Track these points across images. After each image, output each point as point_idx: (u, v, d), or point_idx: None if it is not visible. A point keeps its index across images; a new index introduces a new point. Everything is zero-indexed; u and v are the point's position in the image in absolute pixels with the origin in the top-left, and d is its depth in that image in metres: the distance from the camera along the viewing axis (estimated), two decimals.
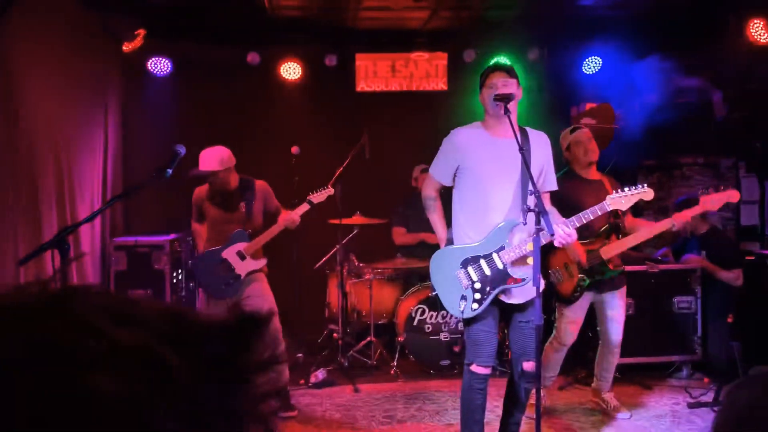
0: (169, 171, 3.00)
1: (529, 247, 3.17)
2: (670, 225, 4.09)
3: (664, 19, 6.17)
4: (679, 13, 6.10)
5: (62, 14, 4.83)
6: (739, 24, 5.80)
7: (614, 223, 4.23)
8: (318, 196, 4.53)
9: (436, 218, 3.54)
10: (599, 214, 3.32)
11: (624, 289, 4.36)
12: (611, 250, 4.17)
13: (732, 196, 3.96)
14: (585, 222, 3.31)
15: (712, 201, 3.96)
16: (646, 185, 3.42)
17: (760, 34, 5.66)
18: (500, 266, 3.27)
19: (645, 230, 4.24)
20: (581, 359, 5.20)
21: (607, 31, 6.25)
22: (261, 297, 4.49)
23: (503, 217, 3.30)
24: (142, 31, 5.62)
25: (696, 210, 4.02)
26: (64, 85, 4.84)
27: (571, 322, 4.29)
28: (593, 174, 4.35)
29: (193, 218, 4.61)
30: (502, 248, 3.28)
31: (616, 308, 4.30)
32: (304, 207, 4.46)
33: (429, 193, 3.56)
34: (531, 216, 3.14)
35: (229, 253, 4.44)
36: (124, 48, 5.77)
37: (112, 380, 0.49)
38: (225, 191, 4.38)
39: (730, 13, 5.91)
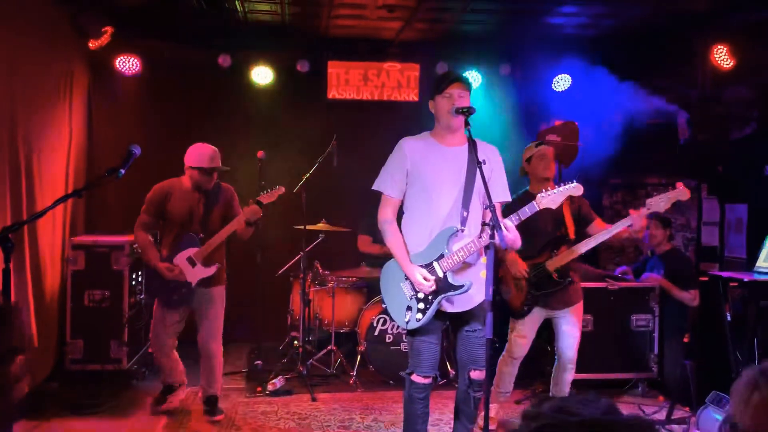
0: (122, 171, 2.94)
1: (483, 260, 3.18)
2: (628, 223, 4.06)
3: (633, 41, 6.29)
4: (646, 35, 6.22)
5: (27, 8, 4.74)
6: (703, 49, 5.93)
7: (559, 236, 4.27)
8: (268, 197, 4.34)
9: (392, 243, 3.37)
10: (529, 214, 3.30)
11: (579, 306, 4.38)
12: (557, 261, 4.23)
13: (681, 194, 3.87)
14: (522, 219, 3.27)
15: (659, 201, 3.92)
16: (575, 181, 3.37)
17: (723, 60, 5.79)
18: (440, 274, 3.27)
19: (594, 237, 4.21)
20: (539, 373, 5.23)
21: (576, 50, 6.35)
22: (213, 322, 4.42)
23: (443, 224, 3.29)
24: (109, 29, 5.55)
25: (643, 211, 3.99)
26: (26, 79, 4.75)
27: (521, 336, 4.33)
28: (545, 188, 4.36)
29: (141, 223, 4.36)
30: (441, 256, 3.27)
31: (570, 324, 4.33)
32: (254, 210, 4.28)
33: (385, 216, 3.41)
34: (474, 225, 3.13)
35: (180, 260, 4.28)
36: (90, 45, 5.68)
37: None
38: (203, 191, 4.31)
39: (695, 38, 6.04)
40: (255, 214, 4.24)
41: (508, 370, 4.44)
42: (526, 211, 3.27)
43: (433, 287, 3.24)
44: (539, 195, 3.34)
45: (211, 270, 4.30)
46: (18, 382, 0.61)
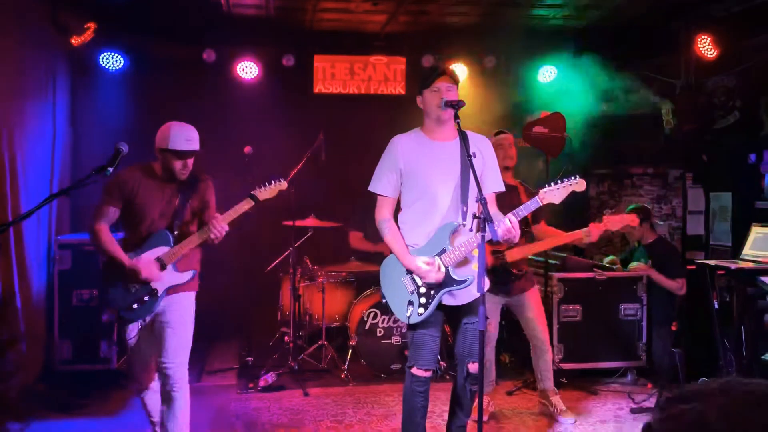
0: (110, 169, 2.91)
1: (474, 252, 3.19)
2: (582, 235, 4.25)
3: (617, 32, 6.32)
4: (631, 26, 6.26)
5: (7, 5, 4.67)
6: (687, 39, 5.97)
7: (524, 231, 4.32)
8: (266, 192, 3.56)
9: (390, 240, 3.37)
10: (533, 209, 3.33)
11: (534, 289, 4.53)
12: (516, 254, 4.30)
13: (631, 221, 4.31)
14: (522, 216, 3.31)
15: (613, 222, 4.26)
16: (578, 176, 3.40)
17: (707, 49, 5.84)
18: (443, 269, 3.29)
19: (554, 238, 4.41)
20: (530, 364, 5.26)
21: (561, 42, 6.37)
22: (178, 326, 3.48)
23: (442, 219, 3.31)
24: (92, 25, 5.48)
25: (600, 227, 4.25)
26: (8, 77, 4.69)
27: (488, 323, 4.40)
28: (508, 179, 4.41)
29: (101, 214, 3.42)
30: (443, 251, 3.29)
31: (530, 308, 4.47)
32: (246, 204, 3.50)
33: (382, 215, 3.41)
34: (472, 219, 3.15)
35: (146, 261, 3.40)
36: (72, 41, 5.61)
37: None
38: (176, 180, 3.47)
39: (679, 28, 6.08)
40: (241, 209, 3.48)
41: (487, 358, 4.49)
42: (530, 206, 3.29)
43: (440, 274, 3.26)
44: (542, 190, 3.36)
45: (185, 276, 3.49)
46: (9, 378, 0.61)
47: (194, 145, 3.44)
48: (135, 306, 3.40)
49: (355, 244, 6.21)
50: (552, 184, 3.35)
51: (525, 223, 4.33)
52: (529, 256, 4.52)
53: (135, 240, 3.44)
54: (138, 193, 3.41)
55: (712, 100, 6.17)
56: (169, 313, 3.47)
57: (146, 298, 3.40)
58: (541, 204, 3.32)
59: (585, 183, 3.37)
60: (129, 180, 3.42)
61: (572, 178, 3.36)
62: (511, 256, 4.32)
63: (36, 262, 5.11)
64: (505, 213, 3.72)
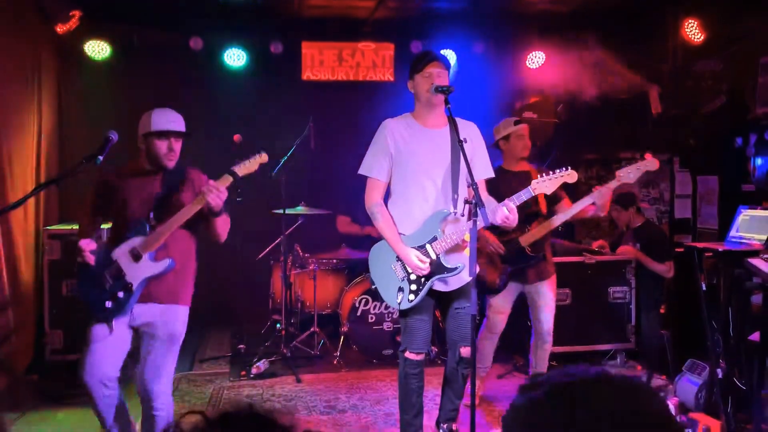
0: (100, 158, 2.88)
1: (466, 237, 3.21)
2: (590, 201, 4.14)
3: (604, 16, 6.32)
4: (618, 10, 6.26)
5: None
6: (675, 23, 5.99)
7: (531, 211, 4.32)
8: (246, 167, 3.23)
9: (382, 226, 3.36)
10: (525, 199, 3.35)
11: (553, 279, 4.47)
12: (529, 236, 4.29)
13: (649, 164, 3.91)
14: (518, 204, 3.32)
15: (628, 172, 3.97)
16: (569, 168, 3.42)
17: (694, 34, 5.86)
18: (433, 257, 3.30)
19: (562, 214, 4.27)
20: (520, 348, 5.32)
21: (550, 27, 6.37)
22: (164, 348, 3.18)
23: (433, 206, 3.33)
24: (77, 13, 5.42)
25: (612, 184, 4.04)
26: None
27: (498, 312, 4.41)
28: (522, 166, 4.44)
29: (88, 209, 3.34)
30: (434, 239, 3.31)
31: (545, 298, 4.43)
32: (225, 181, 3.16)
33: (373, 199, 3.40)
34: (463, 205, 3.16)
35: (120, 253, 3.13)
36: (58, 30, 5.55)
37: None
38: (162, 167, 3.23)
39: (666, 12, 6.10)
40: (222, 184, 3.11)
41: (487, 345, 4.52)
42: (522, 197, 3.31)
43: (428, 270, 3.27)
44: (534, 181, 3.37)
45: (161, 265, 3.13)
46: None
47: (178, 125, 3.23)
48: (108, 305, 3.09)
49: (342, 228, 6.22)
50: (544, 175, 3.38)
51: (536, 207, 4.32)
52: (540, 237, 4.33)
53: (118, 235, 3.19)
54: (120, 188, 3.22)
55: (699, 84, 6.21)
56: (157, 327, 3.18)
57: (120, 295, 3.09)
58: (533, 194, 3.35)
59: (576, 175, 3.41)
60: (111, 177, 3.26)
61: (564, 169, 3.39)
62: (525, 239, 4.28)
63: (24, 253, 5.08)
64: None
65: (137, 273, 3.11)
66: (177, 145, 3.23)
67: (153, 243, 3.11)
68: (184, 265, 3.26)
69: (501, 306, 4.41)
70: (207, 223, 3.23)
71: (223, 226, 3.27)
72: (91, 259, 3.13)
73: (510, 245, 4.31)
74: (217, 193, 3.05)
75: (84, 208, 3.34)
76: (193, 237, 3.33)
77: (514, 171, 4.39)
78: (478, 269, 3.16)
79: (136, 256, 3.12)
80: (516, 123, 4.45)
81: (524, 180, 4.25)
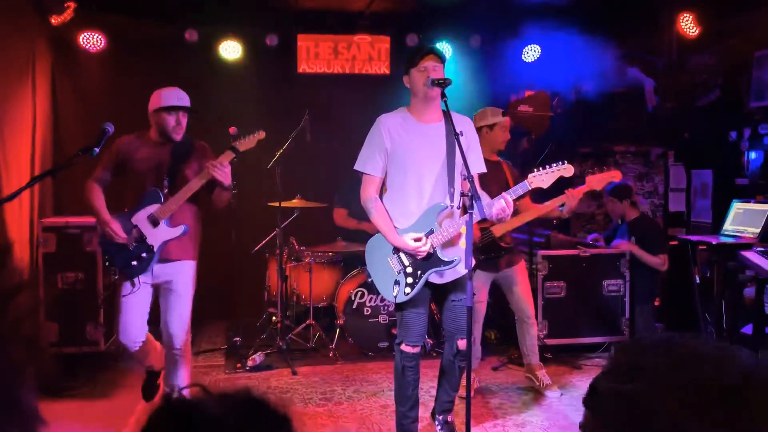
0: (96, 150, 2.89)
1: (463, 230, 3.22)
2: (560, 203, 4.27)
3: (600, 9, 6.33)
4: (613, 4, 6.27)
5: None
6: (670, 17, 6.00)
7: None
8: (245, 143, 3.68)
9: (377, 219, 3.38)
10: (521, 193, 3.40)
11: (522, 264, 4.59)
12: (502, 228, 4.34)
13: (614, 176, 4.22)
14: (515, 197, 3.39)
15: (597, 180, 4.21)
16: (566, 162, 3.48)
17: (689, 28, 5.88)
18: (430, 249, 3.32)
19: (535, 209, 4.44)
20: (515, 340, 5.34)
21: (545, 20, 6.37)
22: (179, 300, 3.72)
23: (429, 200, 3.34)
24: (71, 4, 5.39)
25: (582, 189, 4.24)
26: None
27: (478, 300, 4.44)
28: (494, 156, 4.52)
29: (97, 175, 3.72)
30: (431, 232, 3.32)
31: (519, 282, 4.52)
32: (227, 156, 3.60)
33: (368, 194, 3.41)
34: (459, 198, 3.19)
35: (139, 219, 3.61)
36: (52, 21, 5.51)
37: None
38: (171, 140, 3.67)
39: (661, 6, 6.11)
40: (224, 163, 3.53)
41: (474, 335, 4.56)
42: (518, 190, 3.35)
43: (429, 248, 3.28)
44: (531, 175, 3.42)
45: (178, 230, 3.61)
46: (27, 321, 0.67)
47: (185, 101, 3.67)
48: (134, 263, 3.59)
49: (339, 221, 6.23)
50: (540, 168, 3.42)
51: (503, 191, 4.38)
52: (511, 229, 4.55)
53: (131, 200, 3.66)
54: (131, 158, 3.64)
55: (694, 79, 6.23)
56: (175, 282, 3.69)
57: (144, 255, 3.59)
58: (530, 188, 3.39)
59: (573, 169, 3.46)
60: (123, 146, 3.68)
61: (560, 163, 3.43)
62: (497, 230, 4.37)
63: (18, 246, 5.06)
64: (494, 191, 3.77)
65: (157, 236, 3.60)
66: (184, 120, 3.67)
67: (168, 210, 3.59)
68: (192, 227, 3.72)
69: (479, 295, 4.45)
70: (212, 193, 3.68)
71: (225, 197, 3.71)
72: (125, 240, 3.59)
73: (484, 235, 4.37)
74: (221, 168, 3.47)
75: (96, 172, 3.73)
76: (195, 202, 3.75)
77: (489, 160, 4.41)
78: (474, 263, 3.18)
79: (154, 222, 3.59)
80: (503, 114, 4.50)
81: (498, 171, 4.34)
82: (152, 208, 3.60)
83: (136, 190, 3.66)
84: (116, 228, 3.55)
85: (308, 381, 4.86)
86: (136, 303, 3.64)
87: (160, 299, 3.75)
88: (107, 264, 3.74)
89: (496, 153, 4.53)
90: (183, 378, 3.77)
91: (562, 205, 4.33)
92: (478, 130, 4.45)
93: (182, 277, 3.72)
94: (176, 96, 3.68)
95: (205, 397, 0.79)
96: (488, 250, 4.39)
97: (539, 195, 4.51)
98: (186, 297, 3.74)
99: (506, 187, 4.32)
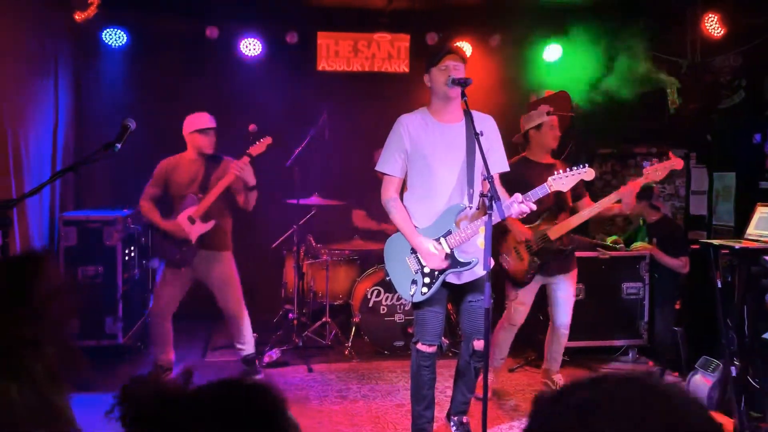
0: (118, 146, 2.91)
1: (481, 231, 3.20)
2: (616, 198, 4.13)
3: (622, 10, 6.26)
4: (636, 4, 6.20)
5: None
6: (694, 17, 5.92)
7: (559, 205, 4.30)
8: (257, 148, 4.54)
9: (397, 219, 3.38)
10: (540, 195, 3.35)
11: (574, 272, 4.47)
12: (558, 230, 4.25)
13: (675, 164, 4.00)
14: (534, 199, 3.33)
15: (656, 170, 4.01)
16: (587, 165, 3.44)
17: (714, 28, 5.79)
18: (447, 250, 3.30)
19: (590, 208, 4.25)
20: (531, 342, 5.31)
21: (567, 19, 6.31)
22: (226, 285, 4.65)
23: (448, 201, 3.33)
24: (95, 0, 5.44)
25: (640, 181, 4.07)
26: (10, 54, 4.66)
27: (521, 303, 4.41)
28: (547, 158, 4.44)
29: (146, 194, 4.61)
30: (449, 233, 3.31)
31: (565, 291, 4.43)
32: (245, 160, 4.46)
33: (388, 194, 3.42)
34: (478, 200, 3.17)
35: (182, 219, 4.53)
36: (76, 17, 5.57)
37: None
38: (204, 156, 4.59)
39: (686, 6, 6.02)
40: (244, 165, 4.42)
41: (506, 337, 4.52)
42: (538, 193, 3.31)
43: (444, 260, 3.27)
44: (551, 178, 3.38)
45: (209, 224, 4.52)
46: (64, 326, 0.69)
47: (213, 123, 4.65)
48: (178, 255, 4.51)
49: (358, 222, 6.22)
50: (561, 171, 3.39)
51: (562, 201, 4.30)
52: (569, 229, 4.32)
53: (174, 205, 4.60)
54: (173, 173, 4.59)
55: (718, 80, 6.14)
56: (212, 267, 4.62)
57: (184, 248, 4.50)
58: (549, 191, 3.36)
59: (594, 172, 3.43)
60: (166, 167, 4.62)
61: (581, 166, 3.40)
62: (553, 233, 4.25)
63: (39, 239, 5.12)
64: (551, 194, 3.71)
65: (194, 231, 4.52)
66: (214, 137, 4.64)
67: (200, 211, 4.51)
68: (224, 221, 4.66)
69: (524, 297, 4.41)
70: (240, 196, 4.61)
71: (252, 198, 4.61)
72: (186, 236, 4.52)
73: (540, 238, 4.28)
74: (245, 168, 4.43)
75: (146, 191, 4.63)
76: (228, 202, 4.66)
77: (542, 163, 4.37)
78: (492, 263, 3.16)
79: (191, 220, 4.51)
80: (548, 114, 4.44)
81: (552, 173, 4.25)
82: (190, 210, 4.51)
83: (178, 198, 4.57)
84: (174, 226, 4.50)
85: (324, 378, 4.87)
86: (174, 289, 4.55)
87: (214, 296, 4.71)
88: (154, 256, 4.74)
89: (549, 154, 4.44)
90: (245, 339, 4.79)
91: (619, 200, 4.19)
92: (526, 133, 4.43)
93: (222, 267, 4.66)
94: (206, 119, 4.62)
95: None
96: (542, 254, 4.28)
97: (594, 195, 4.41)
98: (231, 278, 4.70)
99: (562, 192, 4.28)
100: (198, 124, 4.58)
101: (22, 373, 0.60)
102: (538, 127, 4.40)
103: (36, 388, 0.62)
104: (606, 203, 4.17)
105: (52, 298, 0.65)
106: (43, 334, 0.63)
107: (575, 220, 4.26)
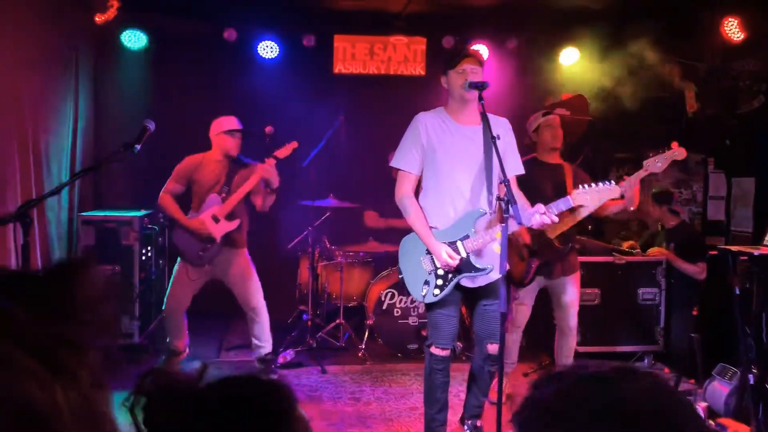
0: (137, 147, 2.95)
1: (497, 235, 3.19)
2: (619, 191, 4.04)
3: (640, 12, 6.22)
4: (654, 8, 6.16)
5: None
6: (713, 22, 5.87)
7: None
8: (283, 151, 4.66)
9: (413, 218, 3.33)
10: (563, 209, 3.32)
11: (577, 275, 4.45)
12: (558, 228, 4.22)
13: (677, 153, 3.78)
14: (558, 212, 3.30)
15: (656, 161, 3.84)
16: (613, 182, 3.36)
17: (733, 32, 5.74)
18: (463, 254, 3.29)
19: (588, 206, 4.17)
20: (546, 347, 5.28)
21: (584, 23, 6.29)
22: (245, 280, 4.68)
23: (466, 204, 3.32)
24: (115, 3, 5.50)
25: (640, 173, 3.92)
26: (31, 55, 4.72)
27: (522, 303, 4.40)
28: (554, 158, 4.43)
29: (167, 189, 4.62)
30: (466, 237, 3.30)
31: (569, 293, 4.41)
32: (271, 162, 4.60)
33: (404, 191, 3.38)
34: (497, 204, 3.16)
35: (206, 217, 4.57)
36: (96, 19, 5.64)
37: None
38: (230, 157, 4.67)
39: (705, 10, 5.98)
40: (270, 167, 4.54)
41: (513, 339, 4.51)
42: (560, 206, 3.28)
43: (454, 261, 3.27)
44: (575, 191, 3.32)
45: (234, 223, 4.59)
46: (107, 331, 0.71)
47: (240, 125, 4.74)
48: (201, 253, 4.55)
49: (370, 222, 6.23)
50: (586, 186, 3.33)
51: (560, 192, 4.27)
52: (568, 229, 4.26)
53: (197, 204, 4.65)
54: (198, 171, 4.63)
55: (737, 84, 6.08)
56: (230, 266, 4.66)
57: (209, 246, 4.56)
58: (573, 205, 3.31)
59: (619, 190, 3.34)
60: (191, 164, 4.65)
61: (608, 183, 3.33)
62: (551, 232, 4.22)
63: (57, 238, 5.18)
64: (550, 192, 3.69)
65: (219, 230, 4.57)
66: (240, 140, 4.71)
67: (225, 210, 4.58)
68: (245, 221, 4.75)
69: (524, 298, 4.40)
70: (258, 198, 4.71)
71: (270, 200, 4.72)
72: (208, 233, 4.56)
73: (538, 238, 4.27)
74: (271, 170, 4.55)
75: (168, 185, 4.64)
76: (246, 203, 4.74)
77: (548, 162, 4.39)
78: (507, 267, 3.15)
79: (216, 219, 4.56)
80: (544, 114, 4.47)
81: (557, 174, 4.27)
82: (214, 209, 4.57)
83: (201, 196, 4.62)
84: (197, 224, 4.53)
85: (337, 380, 4.88)
86: (189, 283, 4.61)
87: (234, 293, 4.75)
88: (180, 257, 4.63)
89: (554, 153, 4.42)
90: (264, 337, 4.79)
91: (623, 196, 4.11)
92: (528, 140, 4.48)
93: (240, 264, 4.71)
94: (234, 122, 4.71)
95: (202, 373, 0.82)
96: (543, 254, 4.27)
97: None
98: (250, 275, 4.74)
99: (563, 191, 4.25)
100: (226, 125, 4.67)
101: (68, 378, 0.62)
102: (536, 129, 4.44)
103: (82, 394, 0.63)
104: (608, 196, 4.08)
105: (96, 303, 0.67)
106: (88, 340, 0.65)
107: (573, 219, 4.21)
